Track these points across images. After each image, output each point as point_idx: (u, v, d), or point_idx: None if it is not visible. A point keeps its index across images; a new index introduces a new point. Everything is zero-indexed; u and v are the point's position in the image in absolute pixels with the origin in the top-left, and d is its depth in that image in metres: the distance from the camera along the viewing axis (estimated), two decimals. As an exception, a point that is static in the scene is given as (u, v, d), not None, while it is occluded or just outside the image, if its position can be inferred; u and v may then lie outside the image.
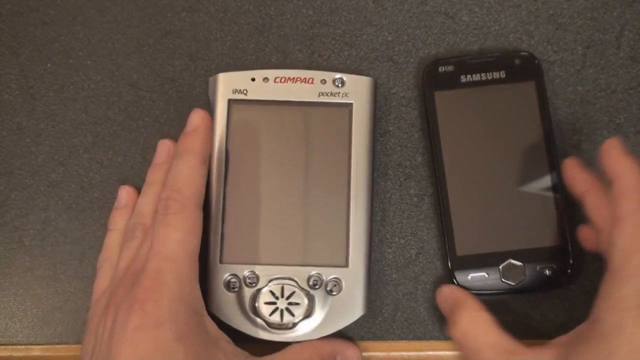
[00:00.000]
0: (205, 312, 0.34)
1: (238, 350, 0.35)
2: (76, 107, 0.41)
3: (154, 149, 0.40)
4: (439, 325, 0.38)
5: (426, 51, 0.41)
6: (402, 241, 0.39)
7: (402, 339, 0.38)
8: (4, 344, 0.39)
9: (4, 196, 0.40)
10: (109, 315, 0.32)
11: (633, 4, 0.41)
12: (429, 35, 0.41)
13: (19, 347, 0.39)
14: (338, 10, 0.41)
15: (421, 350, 0.38)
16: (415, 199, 0.39)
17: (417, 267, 0.39)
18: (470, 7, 0.41)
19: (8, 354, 0.39)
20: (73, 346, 0.39)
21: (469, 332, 0.33)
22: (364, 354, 0.38)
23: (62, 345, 0.39)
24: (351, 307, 0.36)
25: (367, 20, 0.41)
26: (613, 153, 0.33)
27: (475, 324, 0.33)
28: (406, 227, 0.39)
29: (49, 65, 0.41)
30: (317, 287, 0.36)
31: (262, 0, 0.42)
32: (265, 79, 0.38)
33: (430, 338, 0.38)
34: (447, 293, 0.36)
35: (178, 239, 0.33)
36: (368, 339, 0.38)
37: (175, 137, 0.40)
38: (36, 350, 0.39)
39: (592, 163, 0.39)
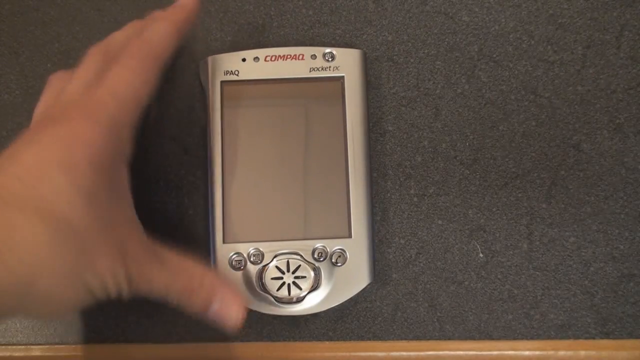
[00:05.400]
0: (126, 184, 0.31)
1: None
2: (76, 107, 0.41)
3: (154, 149, 0.40)
4: (439, 325, 0.38)
5: (426, 51, 0.41)
6: (402, 241, 0.39)
7: (402, 339, 0.38)
8: (4, 344, 0.39)
9: (4, 196, 0.40)
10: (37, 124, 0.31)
11: (633, 4, 0.41)
12: (429, 35, 0.41)
13: (19, 347, 0.39)
14: (338, 10, 0.41)
15: (421, 350, 0.38)
16: (415, 199, 0.39)
17: (417, 267, 0.39)
18: (470, 7, 0.41)
19: (8, 354, 0.39)
20: (73, 346, 0.39)
21: None
22: (365, 353, 0.38)
23: (62, 345, 0.39)
24: (357, 276, 0.37)
25: (367, 20, 0.41)
26: None
27: None
28: (406, 227, 0.39)
29: (49, 65, 0.41)
30: (322, 259, 0.37)
31: (262, 0, 0.42)
32: (256, 59, 0.38)
33: (430, 338, 0.38)
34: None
35: (131, 81, 0.31)
36: (368, 339, 0.38)
37: (175, 138, 0.40)
38: (36, 350, 0.39)
39: (591, 162, 0.39)
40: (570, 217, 0.39)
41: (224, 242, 0.37)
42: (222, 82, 0.38)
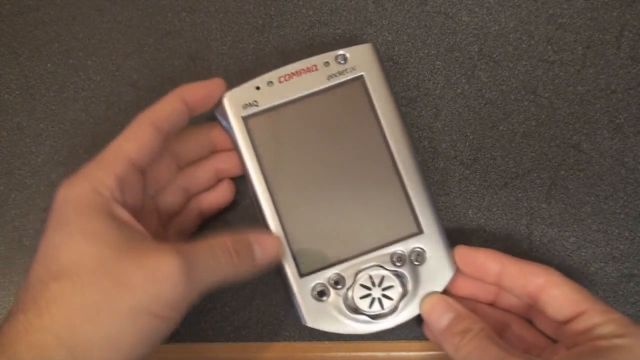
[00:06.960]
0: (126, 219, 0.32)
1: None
2: (76, 107, 0.41)
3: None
4: (439, 325, 0.38)
5: (426, 51, 0.41)
6: (402, 241, 0.39)
7: (402, 339, 0.38)
8: (4, 344, 0.39)
9: (4, 196, 0.40)
10: None
11: (633, 4, 0.41)
12: (429, 35, 0.41)
13: (19, 347, 0.39)
14: (338, 10, 0.41)
15: (421, 350, 0.38)
16: (415, 199, 0.39)
17: (417, 267, 0.39)
18: (470, 7, 0.41)
19: (8, 354, 0.39)
20: (73, 346, 0.39)
21: None
22: (365, 353, 0.38)
23: (62, 345, 0.39)
24: (441, 270, 0.35)
25: (367, 20, 0.41)
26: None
27: None
28: (406, 227, 0.39)
29: (49, 65, 0.41)
30: (402, 263, 0.35)
31: (262, 0, 0.42)
32: (270, 83, 0.36)
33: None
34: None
35: (121, 143, 0.33)
36: (368, 339, 0.38)
37: (175, 137, 0.40)
38: (36, 350, 0.39)
39: (591, 162, 0.39)
40: (570, 217, 0.39)
41: (300, 276, 0.35)
42: (243, 117, 0.36)
